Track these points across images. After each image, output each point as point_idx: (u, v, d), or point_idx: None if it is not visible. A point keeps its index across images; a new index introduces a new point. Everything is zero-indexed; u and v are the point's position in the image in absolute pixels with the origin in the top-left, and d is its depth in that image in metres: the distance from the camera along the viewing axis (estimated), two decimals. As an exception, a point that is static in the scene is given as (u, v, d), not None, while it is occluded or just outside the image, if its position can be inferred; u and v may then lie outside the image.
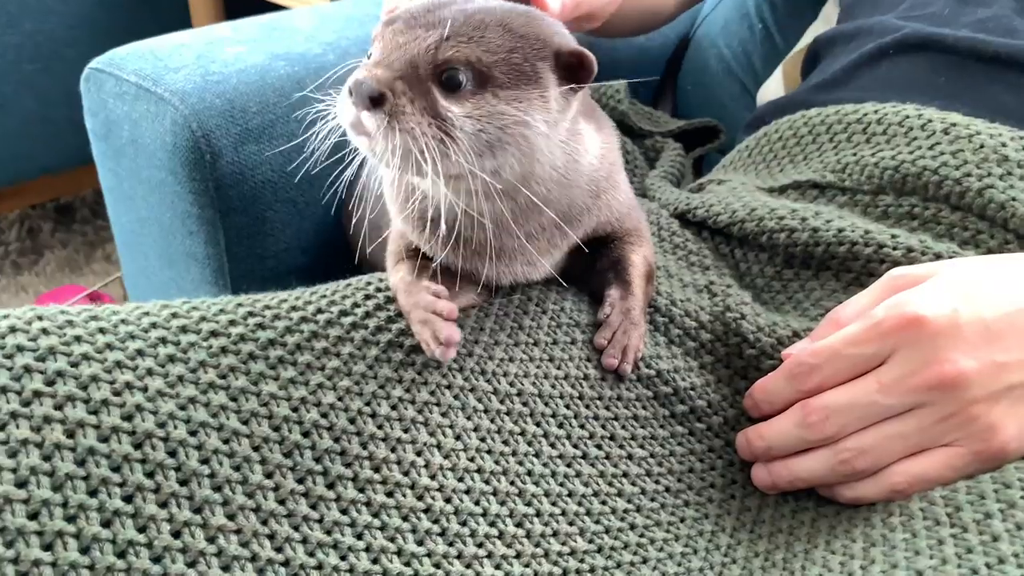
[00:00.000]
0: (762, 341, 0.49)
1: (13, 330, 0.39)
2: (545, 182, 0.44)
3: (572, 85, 0.43)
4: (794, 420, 0.44)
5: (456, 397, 0.44)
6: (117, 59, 0.76)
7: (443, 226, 0.44)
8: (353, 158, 0.44)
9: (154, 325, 0.41)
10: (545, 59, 0.42)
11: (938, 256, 0.50)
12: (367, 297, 0.47)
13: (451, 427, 0.43)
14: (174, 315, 0.42)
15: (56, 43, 1.33)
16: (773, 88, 0.92)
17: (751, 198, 0.59)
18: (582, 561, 0.42)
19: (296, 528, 0.38)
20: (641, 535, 0.44)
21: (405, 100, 0.39)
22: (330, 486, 0.39)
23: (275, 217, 0.73)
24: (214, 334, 0.42)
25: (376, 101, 0.39)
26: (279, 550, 0.37)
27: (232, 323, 0.43)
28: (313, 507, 0.38)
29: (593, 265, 0.52)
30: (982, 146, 0.52)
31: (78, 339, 0.39)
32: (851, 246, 0.52)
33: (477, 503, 0.41)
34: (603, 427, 0.46)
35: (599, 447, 0.46)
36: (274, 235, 0.74)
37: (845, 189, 0.57)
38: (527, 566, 0.41)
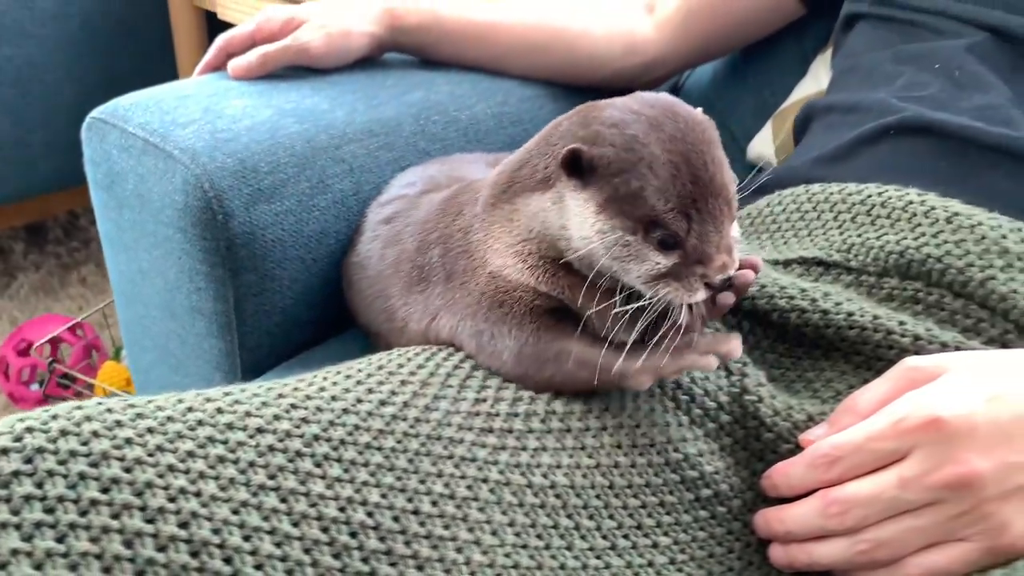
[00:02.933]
0: (779, 425, 0.52)
1: (64, 433, 0.39)
2: None
3: None
4: (815, 510, 0.46)
5: (492, 491, 0.45)
6: (121, 110, 0.76)
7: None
8: None
9: (200, 423, 0.42)
10: None
11: (944, 345, 0.52)
12: (403, 383, 0.48)
13: (488, 523, 0.44)
14: (219, 411, 0.43)
15: (35, 68, 1.31)
16: (762, 141, 0.95)
17: (760, 272, 0.62)
18: None
19: None
20: None
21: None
22: None
23: (283, 274, 0.74)
24: (260, 431, 0.42)
25: None
26: None
27: (276, 417, 0.43)
28: None
29: None
30: (984, 237, 0.55)
31: (129, 441, 0.39)
32: (861, 331, 0.54)
33: None
34: (631, 516, 0.48)
35: (627, 537, 0.47)
36: (282, 291, 0.74)
37: (851, 269, 0.59)
38: None
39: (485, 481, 0.45)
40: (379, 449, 0.44)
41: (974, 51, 0.67)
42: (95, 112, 0.77)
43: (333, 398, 0.46)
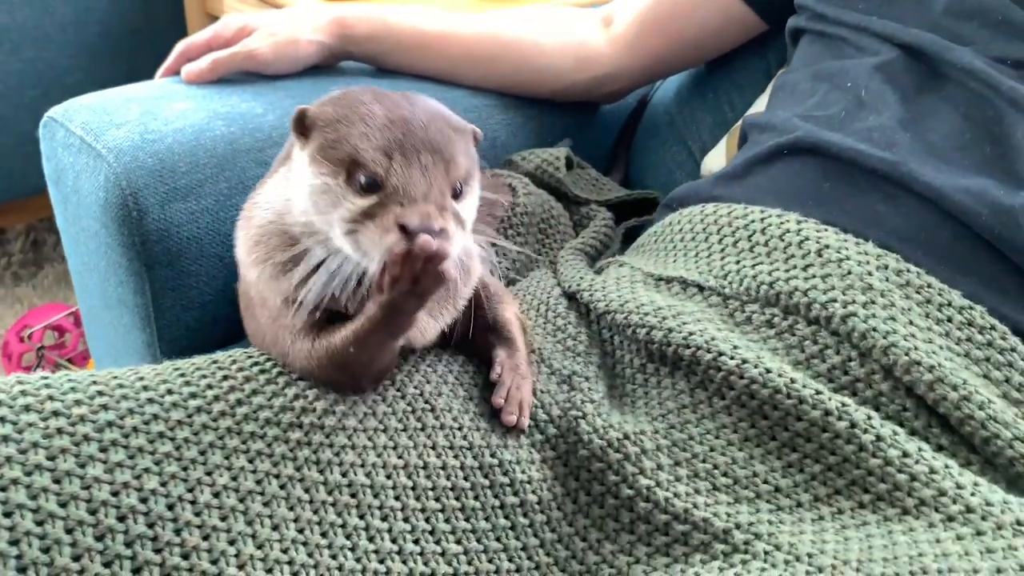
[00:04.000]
0: (594, 443, 0.51)
1: None
2: None
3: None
4: None
5: (283, 487, 0.46)
6: (70, 110, 0.80)
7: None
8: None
9: (8, 406, 0.44)
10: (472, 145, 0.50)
11: (767, 371, 0.51)
12: (225, 378, 0.50)
13: (270, 517, 0.45)
14: (22, 392, 0.45)
15: (56, 70, 1.39)
16: (715, 159, 0.94)
17: (629, 289, 0.61)
18: None
19: None
20: None
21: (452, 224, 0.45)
22: (136, 571, 0.41)
23: (201, 271, 0.76)
24: (55, 414, 0.44)
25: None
26: None
27: (77, 403, 0.45)
28: None
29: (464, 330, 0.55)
30: (850, 272, 0.54)
31: None
32: (695, 350, 0.54)
33: None
34: (427, 520, 0.48)
35: (416, 542, 0.47)
36: (199, 287, 0.77)
37: (723, 295, 0.59)
38: None
39: (277, 477, 0.46)
40: (171, 440, 0.45)
41: (883, 69, 0.65)
42: (50, 111, 0.82)
43: (144, 388, 0.47)
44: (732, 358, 0.52)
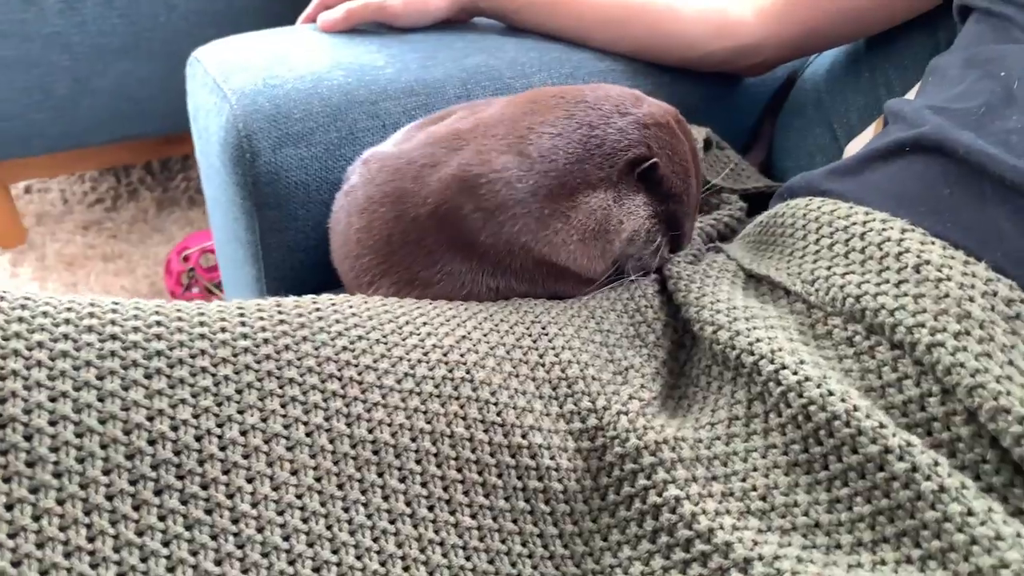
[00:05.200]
0: (630, 441, 0.48)
1: None
2: None
3: None
4: None
5: (308, 435, 0.47)
6: (210, 51, 0.85)
7: None
8: None
9: (67, 321, 0.47)
10: None
11: (831, 393, 0.46)
12: (281, 322, 0.51)
13: (291, 462, 0.46)
14: (91, 314, 0.48)
15: (234, 10, 1.48)
16: (858, 145, 0.85)
17: (713, 282, 0.57)
18: None
19: (113, 524, 0.43)
20: None
21: None
22: (157, 493, 0.44)
23: (307, 216, 0.79)
24: (113, 337, 0.47)
25: None
26: (90, 540, 0.42)
27: (135, 330, 0.48)
28: (135, 508, 0.43)
29: None
30: (947, 295, 0.47)
31: None
32: (758, 359, 0.49)
33: (286, 539, 0.44)
34: (445, 489, 0.48)
35: (431, 509, 0.47)
36: (304, 232, 0.80)
37: (808, 303, 0.54)
38: None
39: (305, 424, 0.47)
40: (212, 375, 0.47)
41: (1047, 58, 0.56)
42: (195, 51, 0.87)
43: (201, 323, 0.50)
44: (795, 373, 0.47)
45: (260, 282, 0.82)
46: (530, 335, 0.55)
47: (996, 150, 0.51)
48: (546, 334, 0.55)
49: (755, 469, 0.47)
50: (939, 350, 0.45)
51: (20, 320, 0.47)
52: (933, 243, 0.50)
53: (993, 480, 0.43)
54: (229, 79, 0.79)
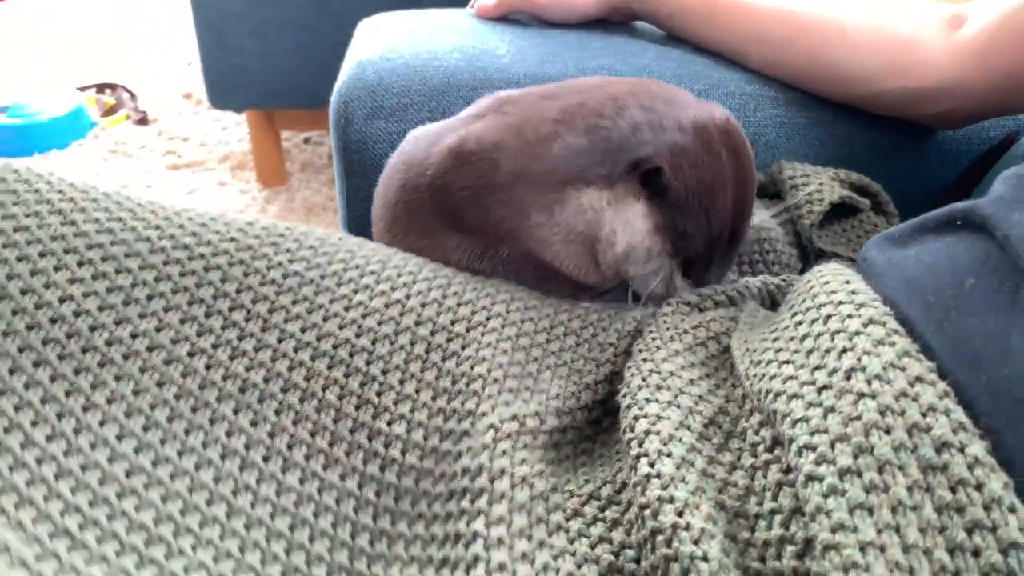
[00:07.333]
0: (480, 457, 0.42)
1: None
2: None
3: None
4: None
5: (190, 355, 0.47)
6: (368, 24, 0.89)
7: None
8: None
9: (48, 201, 0.51)
10: None
11: (671, 500, 0.35)
12: (232, 239, 0.51)
13: (162, 374, 0.46)
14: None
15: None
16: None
17: (662, 337, 0.48)
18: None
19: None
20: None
21: None
22: (35, 365, 0.45)
23: (390, 190, 0.80)
24: (71, 223, 0.50)
25: None
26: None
27: (96, 220, 0.50)
28: (10, 373, 0.45)
29: None
30: (858, 417, 0.35)
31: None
32: (631, 439, 0.40)
33: (119, 439, 0.44)
34: (288, 448, 0.45)
35: (265, 459, 0.44)
36: (386, 205, 0.80)
37: (743, 390, 0.43)
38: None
39: (192, 344, 0.47)
40: (131, 276, 0.48)
41: None
42: (363, 21, 0.92)
43: (157, 227, 0.51)
44: (651, 465, 0.37)
45: (346, 246, 0.85)
46: (459, 323, 0.51)
47: None
48: (474, 328, 0.50)
49: (574, 554, 0.39)
50: (814, 486, 0.33)
51: (12, 192, 0.52)
52: (891, 345, 0.36)
53: None
54: (364, 48, 0.82)
